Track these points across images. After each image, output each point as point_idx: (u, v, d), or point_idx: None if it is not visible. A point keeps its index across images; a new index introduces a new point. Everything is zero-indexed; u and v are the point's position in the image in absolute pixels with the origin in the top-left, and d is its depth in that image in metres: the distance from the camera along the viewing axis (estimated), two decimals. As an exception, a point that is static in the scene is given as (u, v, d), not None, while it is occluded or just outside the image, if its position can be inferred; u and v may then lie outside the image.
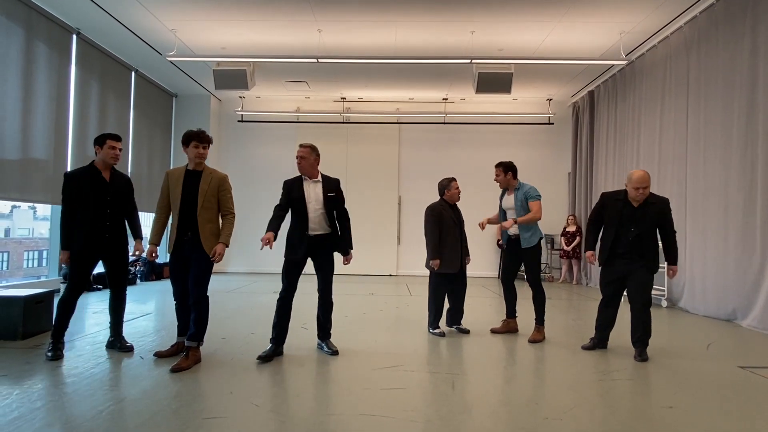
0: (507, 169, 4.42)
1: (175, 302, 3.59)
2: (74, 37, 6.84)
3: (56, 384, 2.97)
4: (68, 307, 3.56)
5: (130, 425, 2.38)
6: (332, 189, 3.71)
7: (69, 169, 6.56)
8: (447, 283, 4.53)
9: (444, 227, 4.43)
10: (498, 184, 4.52)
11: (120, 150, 3.75)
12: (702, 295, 5.79)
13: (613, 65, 7.84)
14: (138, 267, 8.41)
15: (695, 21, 6.06)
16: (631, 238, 3.70)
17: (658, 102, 6.87)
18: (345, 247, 3.78)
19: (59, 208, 6.61)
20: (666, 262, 3.83)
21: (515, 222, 4.25)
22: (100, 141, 3.69)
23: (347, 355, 3.75)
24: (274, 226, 3.55)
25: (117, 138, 3.73)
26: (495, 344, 4.21)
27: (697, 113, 5.99)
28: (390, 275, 10.13)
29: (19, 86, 5.87)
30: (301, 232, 3.61)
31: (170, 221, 3.56)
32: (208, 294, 3.46)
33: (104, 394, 2.81)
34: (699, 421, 2.55)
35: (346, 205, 3.88)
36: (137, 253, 3.83)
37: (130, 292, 7.09)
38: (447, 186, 4.55)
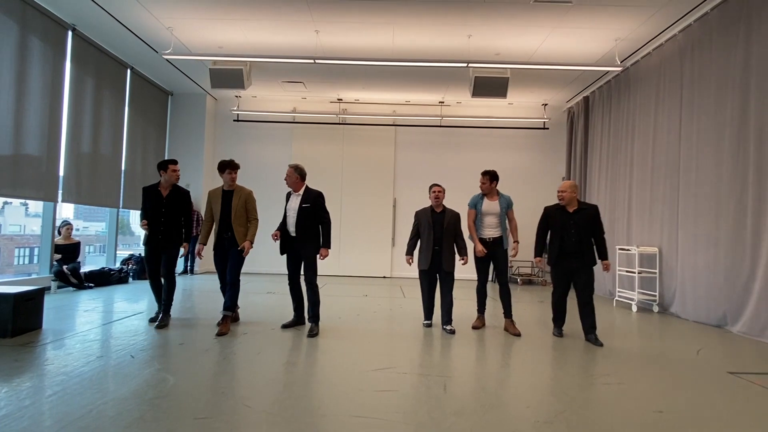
0: (493, 177, 4.98)
1: (219, 283, 4.84)
2: (69, 33, 6.80)
3: (45, 382, 2.95)
4: (153, 287, 4.80)
5: (119, 424, 2.36)
6: (308, 201, 4.58)
7: (62, 166, 6.84)
8: (425, 279, 4.95)
9: (420, 229, 4.96)
10: (481, 190, 4.98)
11: (179, 171, 4.75)
12: (693, 300, 5.83)
13: (608, 71, 7.90)
14: (130, 265, 8.35)
15: (689, 29, 6.13)
16: (574, 238, 4.45)
17: (652, 108, 6.93)
18: (319, 245, 4.64)
19: (51, 205, 6.77)
20: (599, 259, 4.52)
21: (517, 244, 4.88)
22: (163, 166, 4.68)
23: (340, 356, 3.75)
24: (280, 226, 4.74)
25: (175, 162, 4.76)
26: (487, 347, 4.22)
27: (690, 120, 6.05)
28: (384, 277, 10.12)
29: (13, 82, 5.82)
30: (286, 232, 4.67)
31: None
32: (240, 278, 4.70)
33: (94, 392, 2.79)
34: (689, 425, 2.57)
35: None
36: (184, 252, 4.83)
37: (123, 290, 7.13)
38: (429, 192, 5.01)
